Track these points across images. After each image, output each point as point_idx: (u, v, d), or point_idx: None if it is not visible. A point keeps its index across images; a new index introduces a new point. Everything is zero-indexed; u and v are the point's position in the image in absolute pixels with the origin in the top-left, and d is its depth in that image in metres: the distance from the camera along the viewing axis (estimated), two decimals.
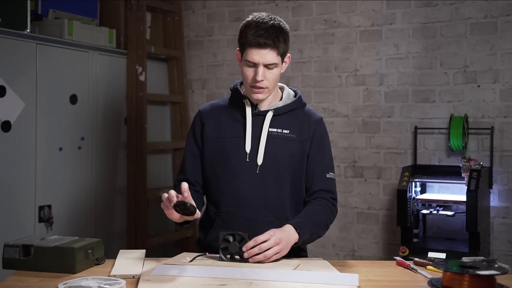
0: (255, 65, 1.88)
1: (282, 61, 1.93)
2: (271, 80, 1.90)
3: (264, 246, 1.73)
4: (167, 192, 1.67)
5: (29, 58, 3.08)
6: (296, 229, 1.81)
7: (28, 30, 3.06)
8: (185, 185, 1.65)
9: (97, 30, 3.60)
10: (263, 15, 1.91)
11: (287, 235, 1.79)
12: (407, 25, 3.55)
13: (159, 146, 3.97)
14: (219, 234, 1.77)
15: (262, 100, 1.96)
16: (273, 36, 1.85)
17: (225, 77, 4.12)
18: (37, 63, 3.12)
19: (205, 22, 4.22)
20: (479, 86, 3.37)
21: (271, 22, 1.87)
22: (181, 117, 4.12)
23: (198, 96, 4.25)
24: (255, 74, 1.88)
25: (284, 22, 1.93)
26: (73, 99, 3.37)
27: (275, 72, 1.90)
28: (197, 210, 1.66)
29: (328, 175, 2.00)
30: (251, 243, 1.73)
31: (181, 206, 1.64)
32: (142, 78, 3.74)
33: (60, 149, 3.28)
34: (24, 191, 3.06)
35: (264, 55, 1.86)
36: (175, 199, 1.64)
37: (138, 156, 3.72)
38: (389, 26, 3.60)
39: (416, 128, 3.50)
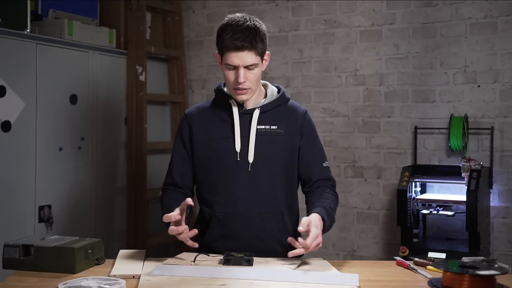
0: (235, 68, 1.90)
1: (262, 60, 1.95)
2: (253, 80, 1.92)
3: (312, 246, 1.73)
4: (168, 220, 1.80)
5: (29, 58, 3.08)
6: (322, 218, 1.83)
7: (28, 30, 3.06)
8: (168, 216, 1.80)
9: (97, 30, 3.60)
10: (238, 16, 1.92)
11: (320, 225, 1.79)
12: (407, 25, 3.55)
13: (159, 146, 3.97)
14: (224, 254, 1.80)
15: (246, 100, 1.98)
16: (250, 37, 1.86)
17: None
18: (37, 63, 3.12)
19: (205, 22, 4.21)
20: (479, 86, 3.37)
21: (246, 23, 1.88)
22: (181, 117, 4.11)
23: (198, 96, 4.25)
24: (237, 76, 1.90)
25: (260, 22, 1.94)
26: (73, 99, 3.37)
27: (256, 72, 1.92)
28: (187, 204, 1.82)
29: (324, 164, 2.05)
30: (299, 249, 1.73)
31: (187, 219, 1.81)
32: (142, 78, 3.74)
33: (60, 149, 3.28)
34: (24, 191, 3.06)
35: (243, 57, 1.87)
36: (179, 217, 1.78)
37: (138, 156, 3.72)
38: (389, 26, 3.60)
39: (416, 128, 3.50)
